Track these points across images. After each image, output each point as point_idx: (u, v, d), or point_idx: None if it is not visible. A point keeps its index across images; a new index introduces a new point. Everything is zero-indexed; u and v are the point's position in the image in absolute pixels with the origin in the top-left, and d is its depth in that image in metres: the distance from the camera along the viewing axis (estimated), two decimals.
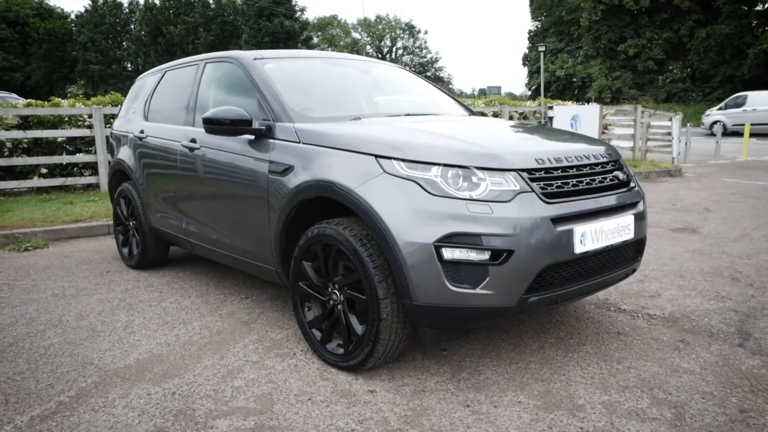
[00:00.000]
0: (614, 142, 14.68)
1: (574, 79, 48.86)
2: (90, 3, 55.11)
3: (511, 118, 12.22)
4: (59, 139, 8.30)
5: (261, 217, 3.32)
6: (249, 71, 3.67)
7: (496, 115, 11.98)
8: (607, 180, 2.97)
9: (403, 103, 4.04)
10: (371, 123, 3.24)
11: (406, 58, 66.31)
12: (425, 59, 64.47)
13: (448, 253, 2.51)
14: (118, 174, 5.16)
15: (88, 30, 53.76)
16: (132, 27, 54.79)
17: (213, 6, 46.59)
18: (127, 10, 55.54)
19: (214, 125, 3.31)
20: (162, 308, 4.00)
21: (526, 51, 54.30)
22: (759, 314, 3.71)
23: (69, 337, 3.51)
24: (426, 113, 3.83)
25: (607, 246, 2.82)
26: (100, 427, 2.50)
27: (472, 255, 2.51)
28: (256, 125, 3.35)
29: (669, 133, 13.88)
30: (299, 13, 47.72)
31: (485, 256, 2.51)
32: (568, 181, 2.77)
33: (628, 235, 2.94)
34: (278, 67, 3.79)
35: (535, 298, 2.62)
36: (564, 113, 12.71)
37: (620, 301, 4.01)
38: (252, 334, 3.51)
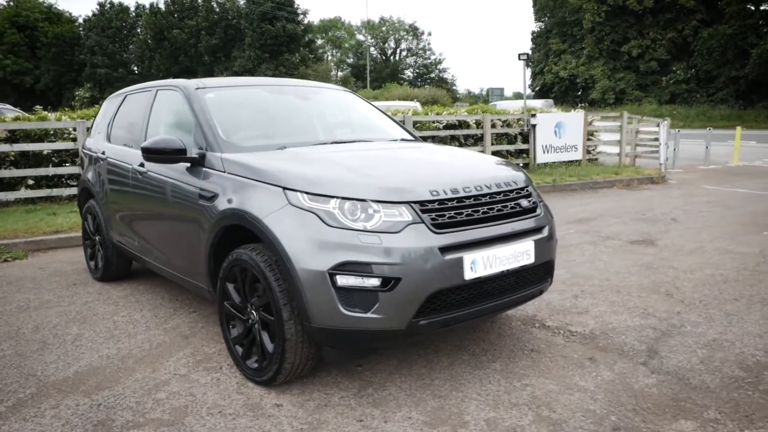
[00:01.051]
0: (601, 148, 14.83)
1: (578, 81, 48.83)
2: (97, 7, 55.81)
3: (493, 126, 12.40)
4: (45, 152, 8.58)
5: (194, 239, 3.55)
6: (190, 100, 3.90)
7: (478, 123, 12.16)
8: (508, 208, 3.18)
9: (337, 130, 4.25)
10: (292, 153, 3.46)
11: (410, 60, 66.52)
12: (429, 61, 64.61)
13: (342, 280, 2.73)
14: (84, 192, 5.43)
15: (96, 34, 54.44)
16: (138, 31, 55.36)
17: (217, 10, 47.05)
18: (133, 14, 56.19)
19: (151, 154, 3.55)
20: (113, 321, 4.25)
21: (530, 52, 54.35)
22: (676, 332, 3.90)
23: (21, 350, 3.76)
24: (358, 140, 4.04)
25: (503, 271, 3.02)
26: (38, 429, 2.74)
27: (363, 282, 2.72)
28: (194, 153, 3.58)
29: (656, 139, 14.02)
30: (301, 16, 48.12)
31: (375, 282, 2.72)
32: (462, 211, 2.98)
33: (528, 260, 3.15)
34: (218, 96, 4.02)
35: (425, 321, 2.83)
36: (547, 120, 12.86)
37: (547, 317, 4.21)
38: (188, 347, 3.74)
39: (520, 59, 12.85)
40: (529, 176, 3.62)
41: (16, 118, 8.69)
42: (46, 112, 9.31)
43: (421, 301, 2.78)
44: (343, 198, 2.84)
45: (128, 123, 4.75)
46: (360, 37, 68.08)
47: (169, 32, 45.84)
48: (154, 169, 3.98)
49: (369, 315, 2.75)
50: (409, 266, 2.75)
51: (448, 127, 11.95)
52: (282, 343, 2.94)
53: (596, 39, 44.78)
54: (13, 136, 8.17)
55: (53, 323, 4.23)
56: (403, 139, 4.27)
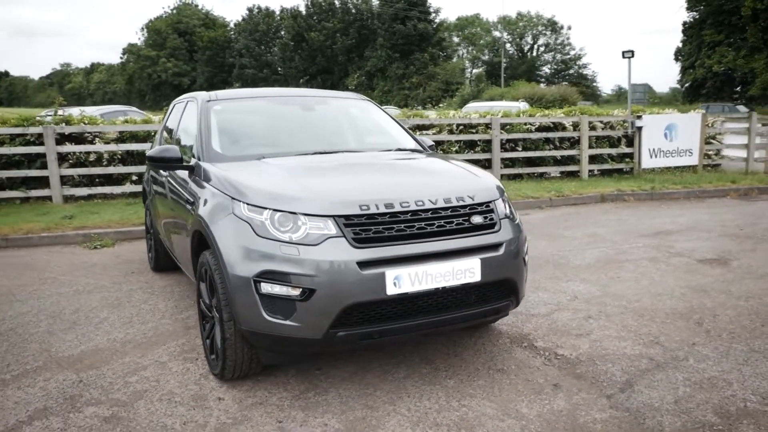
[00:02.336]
0: (726, 152, 13.43)
1: (735, 75, 44.17)
2: (246, 12, 60.42)
3: (593, 128, 11.73)
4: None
5: (186, 240, 3.88)
6: (200, 111, 4.26)
7: (575, 125, 11.56)
8: (453, 224, 3.12)
9: (327, 140, 4.32)
10: (259, 164, 3.65)
11: (548, 56, 64.13)
12: (568, 56, 61.85)
13: (265, 287, 2.88)
14: (143, 191, 6.07)
15: (244, 37, 59.07)
16: (282, 33, 59.06)
17: (353, 11, 48.82)
18: (278, 18, 60.05)
19: (153, 162, 3.93)
20: (139, 309, 4.75)
21: (680, 45, 50.08)
22: (672, 365, 3.56)
23: (53, 328, 4.35)
24: (343, 151, 4.10)
25: (438, 288, 2.98)
26: (12, 401, 3.21)
27: (283, 290, 2.85)
28: (191, 162, 3.92)
29: None
30: (433, 14, 48.38)
31: (293, 292, 2.84)
32: (394, 226, 2.99)
33: (472, 278, 3.07)
34: (224, 107, 4.33)
35: (343, 333, 2.90)
36: (656, 123, 11.90)
37: (541, 336, 4.03)
38: (184, 338, 4.09)
39: (624, 57, 11.98)
40: (499, 192, 3.50)
41: (125, 121, 9.78)
42: (150, 116, 10.37)
43: (336, 313, 2.84)
44: (275, 210, 2.98)
45: (168, 129, 5.24)
46: (496, 33, 66.96)
47: (308, 34, 48.46)
48: (173, 174, 4.37)
49: (288, 322, 2.87)
50: (324, 278, 2.82)
51: (542, 129, 11.50)
52: (223, 341, 3.15)
53: (761, 28, 40.13)
54: (121, 137, 9.23)
55: (92, 307, 4.82)
56: (399, 149, 4.28)
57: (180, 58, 65.19)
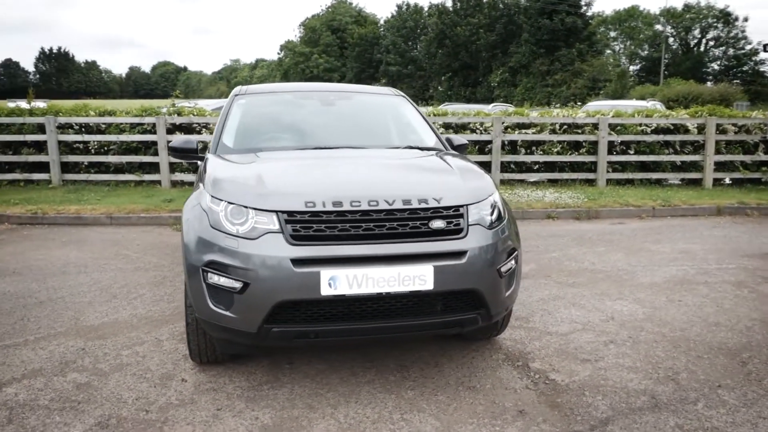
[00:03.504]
0: None
1: None
2: (396, 8, 61.66)
3: (722, 131, 10.41)
4: None
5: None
6: (226, 105, 4.44)
7: (700, 128, 10.33)
8: (407, 227, 2.95)
9: (334, 136, 4.20)
10: (248, 157, 3.70)
11: (718, 51, 57.87)
12: (742, 51, 55.31)
13: (211, 277, 2.94)
14: None
15: (391, 34, 60.38)
16: (429, 29, 59.49)
17: (501, 6, 47.74)
18: (426, 14, 60.55)
19: (173, 152, 4.18)
20: (175, 288, 5.08)
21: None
22: (670, 408, 3.08)
23: (94, 300, 4.81)
24: (344, 146, 3.98)
25: (381, 293, 2.85)
26: (19, 359, 3.61)
27: (223, 281, 2.90)
28: (206, 154, 4.10)
29: None
30: (584, 8, 45.69)
31: (232, 284, 2.87)
32: (338, 225, 2.89)
33: (422, 285, 2.89)
34: (248, 101, 4.47)
35: (278, 329, 2.87)
36: None
37: (543, 357, 3.69)
38: None
39: (765, 50, 10.42)
40: (483, 196, 3.24)
41: None
42: None
43: (269, 309, 2.82)
44: (229, 202, 3.02)
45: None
46: (658, 27, 61.78)
47: (452, 30, 48.32)
48: None
49: (228, 313, 2.91)
50: (258, 273, 2.82)
51: (659, 131, 10.44)
52: (186, 326, 3.28)
53: None
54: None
55: (138, 283, 5.25)
56: (410, 147, 4.12)
57: (331, 54, 68.40)
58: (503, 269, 3.19)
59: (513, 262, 3.30)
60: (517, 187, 10.22)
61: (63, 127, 9.62)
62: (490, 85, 46.85)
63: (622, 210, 8.62)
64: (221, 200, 3.06)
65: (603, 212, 8.57)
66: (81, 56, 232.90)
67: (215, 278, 2.93)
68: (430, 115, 10.49)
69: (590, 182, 10.38)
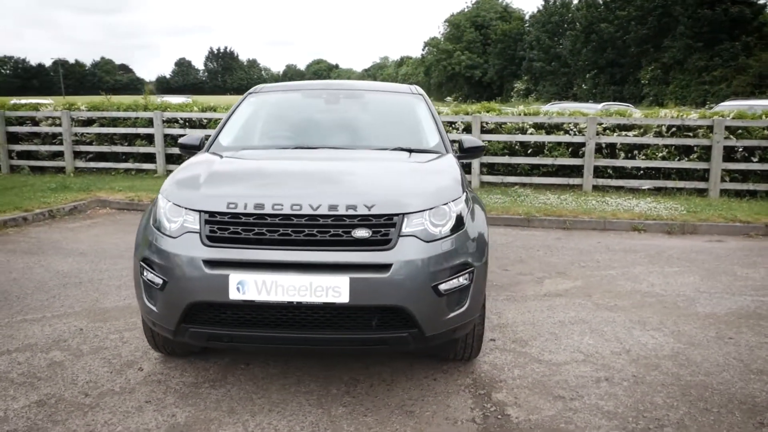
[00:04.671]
0: None
1: None
2: (542, 3, 59.33)
3: None
4: None
5: None
6: (237, 103, 4.52)
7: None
8: (327, 235, 2.78)
9: (327, 135, 4.09)
10: (229, 155, 3.70)
11: None
12: None
13: (145, 273, 3.00)
14: None
15: (536, 29, 58.22)
16: (577, 24, 56.53)
17: None
18: (574, 8, 57.53)
19: (180, 147, 4.34)
20: None
21: None
22: None
23: (122, 284, 5.12)
24: (331, 147, 3.89)
25: (292, 302, 2.72)
26: (24, 334, 3.97)
27: (150, 277, 2.94)
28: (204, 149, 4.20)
29: None
30: None
31: (156, 280, 2.90)
32: (254, 228, 2.80)
33: (336, 297, 2.71)
34: (258, 99, 4.51)
35: (194, 329, 2.85)
36: None
37: (514, 387, 3.31)
38: None
39: None
40: (434, 206, 2.95)
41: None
42: None
43: (182, 309, 2.81)
44: (169, 200, 3.06)
45: None
46: None
47: (598, 25, 45.37)
48: None
49: (155, 309, 2.95)
50: (174, 272, 2.82)
51: None
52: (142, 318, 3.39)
53: None
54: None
55: None
56: (400, 149, 3.87)
57: (474, 51, 67.62)
58: (444, 287, 2.88)
59: (463, 279, 2.97)
60: (612, 194, 9.33)
61: (169, 121, 10.48)
62: (639, 83, 43.27)
63: (725, 226, 7.51)
64: (166, 198, 3.10)
65: (702, 227, 7.53)
66: (244, 55, 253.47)
67: (147, 274, 2.98)
68: (520, 115, 9.94)
69: (701, 192, 9.20)
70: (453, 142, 4.39)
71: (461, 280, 2.97)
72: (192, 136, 4.29)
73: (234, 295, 2.73)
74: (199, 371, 3.44)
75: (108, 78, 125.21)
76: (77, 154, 10.93)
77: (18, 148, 11.06)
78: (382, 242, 2.80)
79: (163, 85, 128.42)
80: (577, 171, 9.65)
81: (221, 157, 3.71)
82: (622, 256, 6.33)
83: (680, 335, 4.10)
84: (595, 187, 9.52)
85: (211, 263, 2.77)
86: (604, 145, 9.51)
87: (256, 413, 2.99)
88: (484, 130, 9.79)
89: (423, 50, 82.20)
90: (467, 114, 9.96)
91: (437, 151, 3.97)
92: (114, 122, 10.71)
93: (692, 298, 4.92)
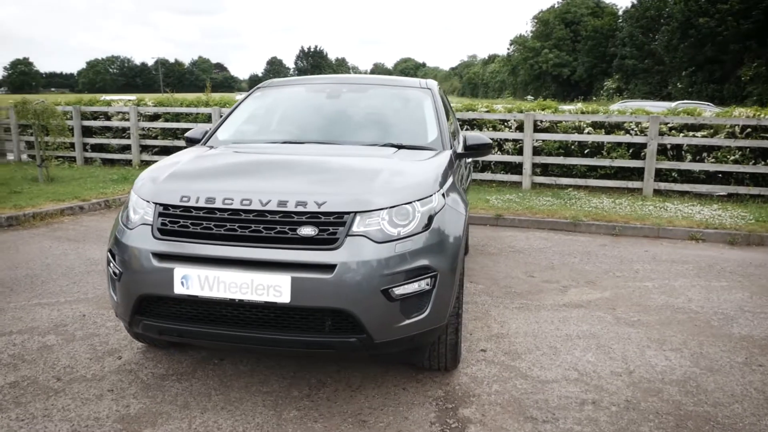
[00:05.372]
0: None
1: None
2: None
3: None
4: None
5: None
6: (242, 97, 4.52)
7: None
8: (273, 231, 2.69)
9: (320, 130, 3.98)
10: (213, 150, 3.69)
11: None
12: None
13: (111, 264, 3.03)
14: None
15: (629, 25, 55.29)
16: (673, 19, 53.13)
17: None
18: (672, 2, 54.06)
19: (186, 140, 4.39)
20: None
21: None
22: None
23: None
24: (319, 142, 3.79)
25: (233, 300, 2.65)
26: (31, 317, 4.16)
27: (112, 267, 2.97)
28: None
29: None
30: None
31: (115, 270, 2.93)
32: (202, 222, 2.75)
33: (277, 297, 2.61)
34: (263, 94, 4.48)
35: (147, 322, 2.84)
36: None
37: (484, 404, 3.09)
38: None
39: None
40: (394, 205, 2.79)
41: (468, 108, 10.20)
42: (489, 103, 10.37)
43: (133, 300, 2.81)
44: (135, 193, 3.07)
45: None
46: None
47: (696, 19, 42.30)
48: None
49: (115, 299, 2.97)
50: (126, 263, 2.82)
51: None
52: None
53: None
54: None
55: None
56: (390, 145, 3.71)
57: (563, 49, 65.27)
58: (398, 291, 2.71)
59: (423, 284, 2.78)
60: (675, 199, 8.62)
61: None
62: (741, 81, 39.94)
63: None
64: (134, 191, 3.12)
65: None
66: (333, 54, 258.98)
67: (110, 265, 3.01)
68: (577, 113, 9.41)
69: None
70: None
71: (421, 284, 2.79)
72: (197, 129, 4.32)
73: (178, 289, 2.69)
74: (173, 363, 3.45)
75: (204, 76, 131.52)
76: (144, 148, 11.49)
77: (92, 141, 11.78)
78: (328, 241, 2.67)
79: (255, 83, 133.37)
80: (637, 174, 9.00)
81: (210, 149, 3.72)
82: (667, 267, 5.81)
83: (700, 358, 3.68)
84: (657, 192, 8.84)
85: (159, 256, 2.75)
86: (668, 147, 8.81)
87: (208, 410, 2.94)
88: (538, 129, 9.35)
89: (509, 48, 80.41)
90: (520, 112, 9.55)
91: (432, 148, 3.77)
92: (177, 117, 11.15)
93: (731, 317, 4.42)
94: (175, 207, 2.83)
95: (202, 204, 2.79)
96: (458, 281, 3.06)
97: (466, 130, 9.83)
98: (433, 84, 4.53)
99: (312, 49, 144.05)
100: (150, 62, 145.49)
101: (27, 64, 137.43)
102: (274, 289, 2.61)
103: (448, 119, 5.26)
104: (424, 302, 2.81)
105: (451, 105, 6.17)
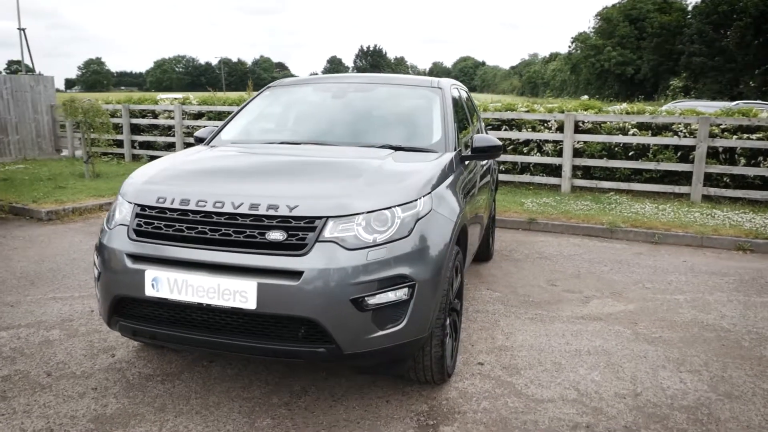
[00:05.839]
0: None
1: None
2: None
3: None
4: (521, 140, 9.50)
5: None
6: (251, 97, 4.50)
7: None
8: (242, 236, 2.62)
9: (318, 131, 3.90)
10: (217, 151, 3.66)
11: None
12: None
13: (95, 264, 3.04)
14: None
15: (698, 21, 52.71)
16: (746, 14, 50.26)
17: None
18: None
19: (195, 139, 4.40)
20: None
21: None
22: None
23: None
24: (313, 142, 3.72)
25: (200, 303, 2.59)
26: (42, 311, 4.26)
27: (95, 267, 2.97)
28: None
29: None
30: None
31: (97, 271, 2.93)
32: (175, 224, 2.72)
33: (243, 303, 2.54)
34: (272, 93, 4.43)
35: (123, 322, 2.83)
36: None
37: (469, 422, 2.92)
38: None
39: None
40: (372, 210, 2.67)
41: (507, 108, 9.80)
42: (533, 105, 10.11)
43: (110, 301, 2.81)
44: (120, 194, 3.07)
45: None
46: None
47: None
48: None
49: (98, 298, 2.98)
50: (105, 263, 2.83)
51: None
52: None
53: None
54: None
55: None
56: (388, 146, 3.56)
57: (627, 47, 62.90)
58: (371, 301, 2.59)
59: (400, 294, 2.65)
60: (725, 206, 8.07)
61: None
62: None
63: None
64: (120, 192, 3.12)
65: None
66: (393, 53, 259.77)
67: (95, 264, 3.02)
68: (622, 113, 8.97)
69: None
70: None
71: (398, 294, 2.65)
72: (206, 129, 4.31)
73: (149, 291, 2.67)
74: (162, 364, 3.45)
75: (266, 75, 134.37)
76: (188, 146, 11.75)
77: (140, 138, 12.16)
78: (296, 247, 2.57)
79: None
80: (685, 178, 8.49)
81: (209, 150, 3.70)
82: (705, 279, 5.42)
83: (720, 382, 3.38)
84: (706, 197, 8.31)
85: (133, 257, 2.74)
86: (720, 149, 8.27)
87: (182, 414, 2.91)
88: (580, 130, 8.97)
89: (570, 46, 78.19)
90: (561, 112, 9.18)
91: (433, 150, 3.62)
92: (219, 116, 11.34)
93: (766, 338, 4.05)
94: (151, 208, 2.81)
95: (176, 206, 2.75)
96: (444, 291, 2.91)
97: (505, 130, 9.55)
98: (445, 83, 4.35)
99: (371, 48, 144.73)
100: (214, 61, 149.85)
101: (99, 64, 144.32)
102: (241, 294, 2.54)
103: (471, 120, 5.09)
104: (400, 313, 2.67)
105: (475, 104, 5.95)
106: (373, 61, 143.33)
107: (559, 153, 9.10)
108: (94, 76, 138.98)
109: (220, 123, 4.60)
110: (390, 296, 2.63)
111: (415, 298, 2.69)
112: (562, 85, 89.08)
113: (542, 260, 6.01)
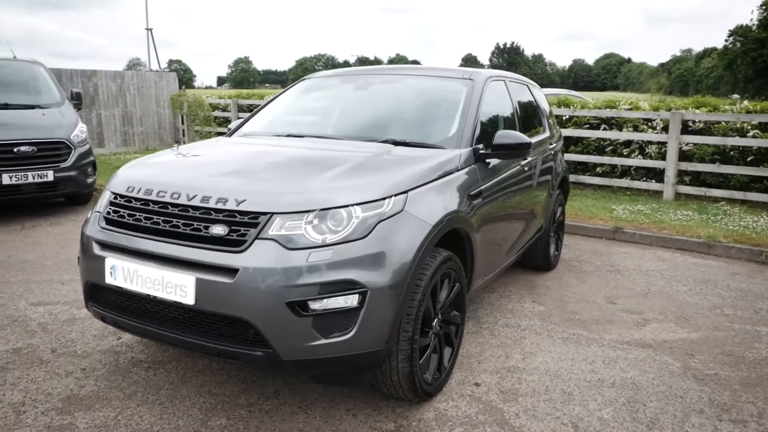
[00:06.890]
0: None
1: None
2: None
3: None
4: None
5: None
6: (285, 89, 4.47)
7: None
8: (189, 228, 2.54)
9: (332, 124, 3.74)
10: (220, 142, 3.66)
11: None
12: None
13: None
14: None
15: None
16: None
17: None
18: None
19: (228, 130, 4.45)
20: None
21: None
22: None
23: None
24: (322, 136, 3.57)
25: (148, 295, 2.57)
26: (63, 292, 4.50)
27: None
28: None
29: None
30: None
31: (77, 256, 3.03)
32: (136, 213, 2.72)
33: (183, 298, 2.47)
34: (305, 84, 4.38)
35: (94, 308, 2.89)
36: None
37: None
38: None
39: None
40: (330, 206, 2.49)
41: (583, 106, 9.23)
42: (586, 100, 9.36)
43: (83, 285, 2.89)
44: (107, 182, 3.14)
45: None
46: None
47: None
48: None
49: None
50: (83, 248, 2.90)
51: None
52: None
53: None
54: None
55: None
56: (391, 140, 3.32)
57: None
58: (314, 306, 2.39)
59: (349, 300, 2.43)
60: None
61: None
62: None
63: None
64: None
65: None
66: (529, 50, 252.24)
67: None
68: (740, 112, 7.83)
69: None
70: None
71: (348, 300, 2.43)
72: (238, 122, 4.35)
73: (108, 279, 2.69)
74: (158, 352, 3.49)
75: None
76: None
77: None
78: (236, 243, 2.45)
79: None
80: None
81: (218, 141, 3.72)
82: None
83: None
84: None
85: (100, 245, 2.79)
86: None
87: (145, 404, 2.91)
88: (689, 130, 7.97)
89: (727, 40, 70.68)
90: (668, 110, 8.21)
91: (440, 146, 3.33)
92: None
93: None
94: (121, 197, 2.84)
95: (140, 195, 2.75)
96: (414, 301, 2.63)
97: (603, 129, 8.76)
98: (479, 75, 3.98)
99: (508, 46, 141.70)
100: (351, 60, 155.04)
101: (247, 62, 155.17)
102: (181, 288, 2.47)
103: (529, 117, 4.68)
104: (348, 322, 2.45)
105: (542, 101, 5.45)
106: (509, 58, 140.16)
107: (664, 156, 8.15)
108: (242, 74, 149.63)
109: None
110: (339, 302, 2.42)
111: (367, 307, 2.45)
112: (717, 83, 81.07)
113: (612, 274, 5.38)
